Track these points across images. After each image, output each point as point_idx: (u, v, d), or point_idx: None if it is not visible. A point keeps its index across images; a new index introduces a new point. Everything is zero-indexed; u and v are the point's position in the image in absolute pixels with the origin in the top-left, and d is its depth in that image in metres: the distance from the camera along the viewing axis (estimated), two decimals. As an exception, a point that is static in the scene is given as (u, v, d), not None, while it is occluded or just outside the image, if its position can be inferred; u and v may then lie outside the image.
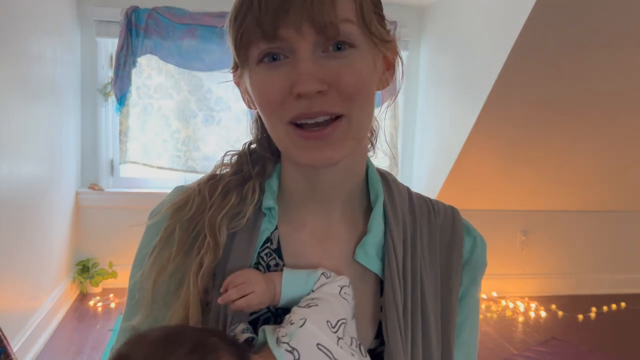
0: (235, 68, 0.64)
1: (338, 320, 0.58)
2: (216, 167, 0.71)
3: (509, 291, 3.86)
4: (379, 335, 0.64)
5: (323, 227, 0.68)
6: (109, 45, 3.53)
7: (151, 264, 0.65)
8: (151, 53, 3.34)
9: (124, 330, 0.67)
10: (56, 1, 3.06)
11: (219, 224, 0.64)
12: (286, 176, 0.68)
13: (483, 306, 3.67)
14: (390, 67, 0.67)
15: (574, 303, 3.78)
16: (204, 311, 0.62)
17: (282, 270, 0.64)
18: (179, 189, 0.70)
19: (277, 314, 0.64)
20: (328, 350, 0.55)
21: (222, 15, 3.32)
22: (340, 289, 0.61)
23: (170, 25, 3.29)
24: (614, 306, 3.75)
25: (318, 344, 0.55)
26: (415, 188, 0.78)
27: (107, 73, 3.54)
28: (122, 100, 3.35)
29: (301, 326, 0.55)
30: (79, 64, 3.46)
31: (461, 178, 3.35)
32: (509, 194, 3.60)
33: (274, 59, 0.57)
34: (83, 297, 3.46)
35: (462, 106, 3.15)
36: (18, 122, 2.51)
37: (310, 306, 0.58)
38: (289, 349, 0.53)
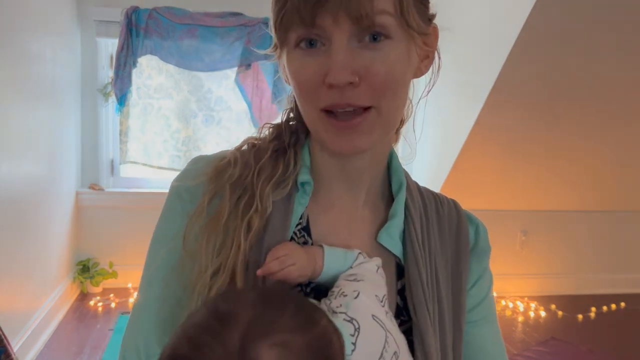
0: (275, 48, 0.66)
1: (383, 295, 0.60)
2: (250, 138, 0.72)
3: (509, 291, 3.86)
4: (397, 315, 0.67)
5: (350, 210, 0.70)
6: (109, 45, 3.53)
7: (204, 225, 0.64)
8: (151, 53, 3.33)
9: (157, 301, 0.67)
10: (56, 1, 3.06)
11: (268, 190, 0.65)
12: (316, 154, 0.70)
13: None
14: (427, 57, 0.67)
15: (573, 303, 3.78)
16: (245, 275, 0.62)
17: (312, 246, 0.66)
18: (201, 159, 0.70)
19: (306, 292, 0.65)
20: (381, 321, 0.56)
21: (222, 15, 3.32)
22: (377, 269, 0.64)
23: (170, 25, 3.29)
24: (613, 306, 3.75)
25: (373, 315, 0.56)
26: (415, 188, 0.78)
27: (107, 73, 3.54)
28: (122, 100, 3.35)
29: (356, 297, 0.57)
30: (79, 64, 3.46)
31: (461, 178, 3.35)
32: (510, 193, 3.59)
33: (311, 44, 0.59)
34: (83, 297, 3.46)
35: (463, 105, 3.14)
36: (18, 122, 2.51)
37: (357, 280, 0.60)
38: (348, 318, 0.54)
